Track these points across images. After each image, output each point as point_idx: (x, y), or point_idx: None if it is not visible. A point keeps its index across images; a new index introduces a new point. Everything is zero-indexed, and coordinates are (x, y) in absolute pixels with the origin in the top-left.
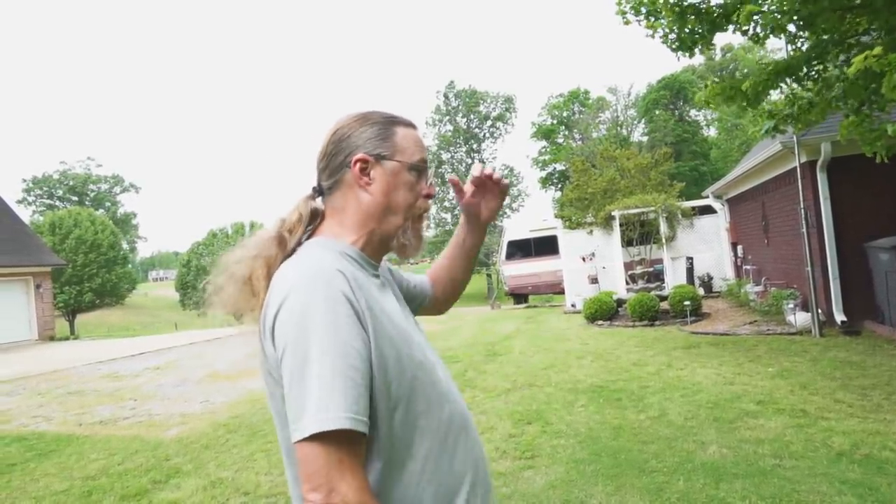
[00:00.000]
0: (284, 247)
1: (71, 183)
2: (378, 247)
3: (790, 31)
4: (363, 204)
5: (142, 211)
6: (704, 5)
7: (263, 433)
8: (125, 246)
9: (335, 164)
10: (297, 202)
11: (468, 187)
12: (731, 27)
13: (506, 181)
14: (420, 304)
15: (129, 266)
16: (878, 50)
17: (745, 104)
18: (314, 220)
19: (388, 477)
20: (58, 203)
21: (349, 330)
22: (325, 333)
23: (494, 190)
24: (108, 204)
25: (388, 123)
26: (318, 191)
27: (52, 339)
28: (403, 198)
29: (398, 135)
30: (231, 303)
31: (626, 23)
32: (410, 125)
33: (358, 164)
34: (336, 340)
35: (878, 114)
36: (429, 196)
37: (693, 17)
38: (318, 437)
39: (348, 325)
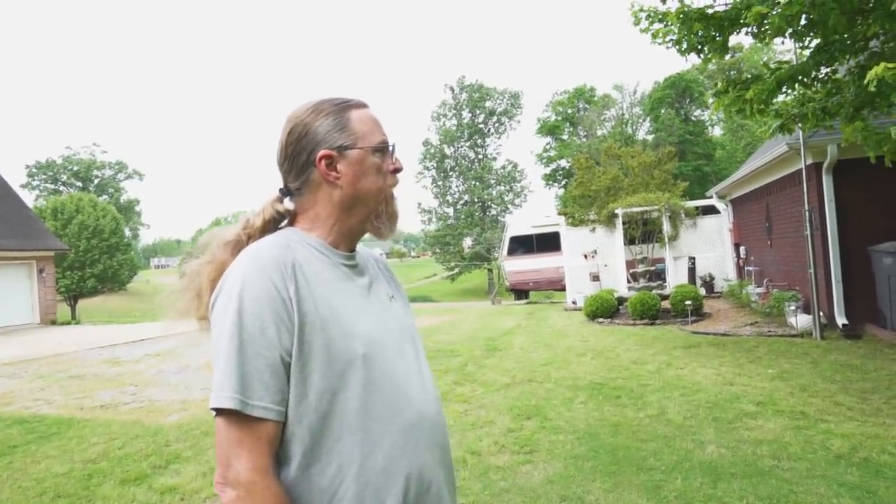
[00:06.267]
0: (239, 251)
1: (75, 168)
2: (349, 235)
3: (798, 32)
4: (334, 199)
5: (145, 198)
6: (711, 10)
7: None
8: (128, 232)
9: (299, 164)
10: (263, 204)
11: None
12: (741, 30)
13: None
14: None
15: (132, 252)
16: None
17: (751, 112)
18: (282, 221)
19: (308, 468)
20: (62, 188)
21: (266, 317)
22: (239, 318)
23: None
24: (111, 190)
25: (342, 110)
26: (287, 192)
27: (53, 323)
28: (373, 182)
29: (354, 120)
30: (182, 309)
31: (645, 30)
32: (363, 105)
33: (323, 161)
34: (247, 325)
35: (879, 114)
36: (396, 171)
37: (698, 22)
38: (222, 414)
39: (266, 312)
